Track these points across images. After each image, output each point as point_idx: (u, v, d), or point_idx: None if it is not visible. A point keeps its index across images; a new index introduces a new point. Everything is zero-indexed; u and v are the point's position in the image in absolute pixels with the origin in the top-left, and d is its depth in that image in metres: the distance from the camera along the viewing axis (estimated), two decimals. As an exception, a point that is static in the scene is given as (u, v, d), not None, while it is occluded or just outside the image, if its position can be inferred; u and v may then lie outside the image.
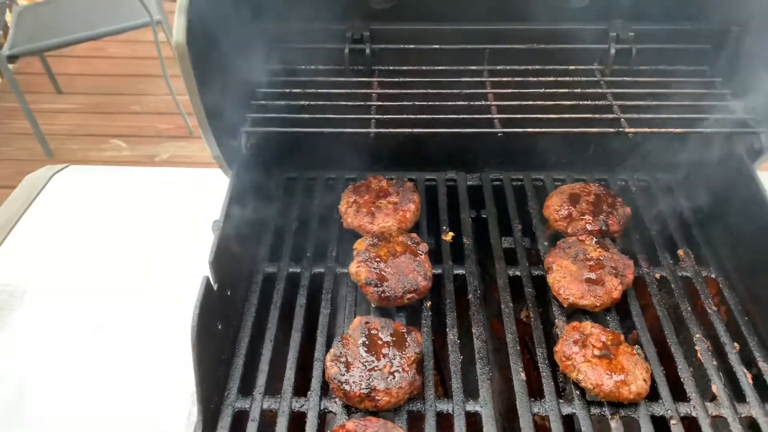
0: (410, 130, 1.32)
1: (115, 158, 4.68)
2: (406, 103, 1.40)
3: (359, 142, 1.64)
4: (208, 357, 1.19)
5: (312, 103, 1.39)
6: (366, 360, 1.20)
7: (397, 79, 1.48)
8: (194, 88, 1.22)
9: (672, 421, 1.20)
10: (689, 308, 1.40)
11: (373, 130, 1.31)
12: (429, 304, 1.41)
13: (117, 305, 1.53)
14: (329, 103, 1.39)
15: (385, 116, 1.35)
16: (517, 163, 1.73)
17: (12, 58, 4.15)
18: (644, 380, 1.20)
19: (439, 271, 1.48)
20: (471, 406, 1.22)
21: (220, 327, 1.26)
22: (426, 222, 1.60)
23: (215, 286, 1.23)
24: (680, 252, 1.53)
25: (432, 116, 1.37)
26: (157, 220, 1.76)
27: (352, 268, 1.40)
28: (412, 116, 1.35)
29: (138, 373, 1.39)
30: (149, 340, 1.45)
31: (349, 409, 1.21)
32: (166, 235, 1.71)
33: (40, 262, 1.65)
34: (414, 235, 1.48)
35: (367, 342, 1.23)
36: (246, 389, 1.26)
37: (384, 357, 1.21)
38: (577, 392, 1.23)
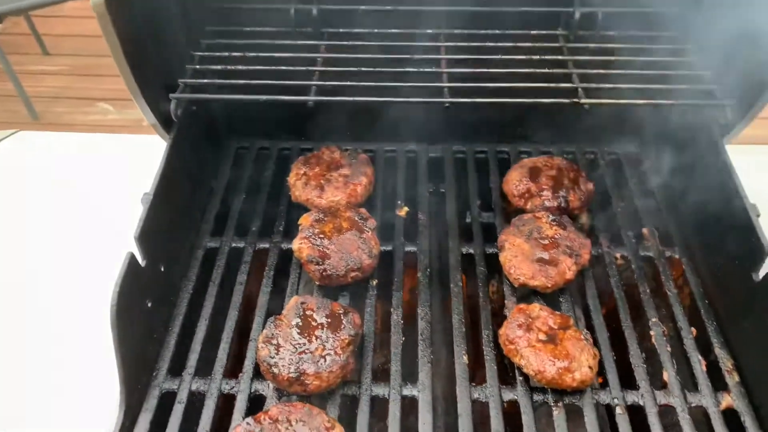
0: (350, 98, 1.24)
1: (101, 122, 4.61)
2: (351, 68, 1.31)
3: (312, 111, 1.56)
4: (134, 336, 1.13)
5: (250, 67, 1.31)
6: (298, 342, 1.15)
7: (345, 43, 1.39)
8: (118, 50, 1.14)
9: (617, 410, 1.14)
10: (648, 290, 1.33)
11: (311, 98, 1.22)
12: (375, 282, 1.35)
13: (54, 284, 1.49)
14: (268, 68, 1.30)
15: (327, 83, 1.26)
16: (481, 135, 1.64)
17: (-3, 18, 4.05)
18: (590, 367, 1.14)
19: (389, 247, 1.42)
20: (408, 390, 1.17)
21: (149, 305, 1.20)
22: (381, 196, 1.53)
23: (143, 262, 1.17)
24: (644, 230, 1.45)
25: (379, 83, 1.28)
26: (99, 190, 1.70)
27: (295, 244, 1.34)
28: (357, 83, 1.27)
29: (69, 350, 1.35)
30: (84, 316, 1.41)
31: (281, 393, 1.16)
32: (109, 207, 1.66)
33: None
34: (363, 210, 1.41)
35: (300, 323, 1.18)
36: (176, 370, 1.21)
37: (317, 339, 1.15)
38: (521, 378, 1.18)
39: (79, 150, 1.86)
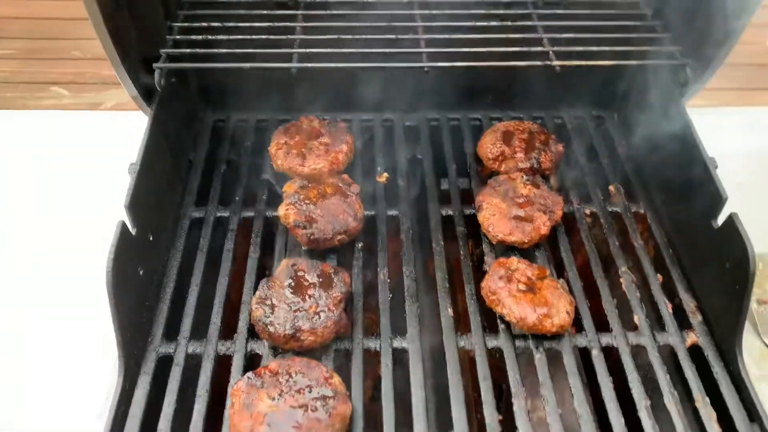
0: (333, 64, 1.27)
1: (55, 107, 4.47)
2: (331, 36, 1.34)
3: (289, 82, 1.58)
4: (129, 302, 1.16)
5: (231, 37, 1.32)
6: (291, 301, 1.19)
7: (323, 12, 1.42)
8: (99, 19, 1.14)
9: (593, 352, 1.23)
10: (617, 243, 1.42)
11: (294, 65, 1.25)
12: (361, 245, 1.40)
13: (44, 257, 1.49)
14: (249, 37, 1.32)
15: (308, 50, 1.29)
16: (454, 103, 1.69)
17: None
18: (567, 312, 1.22)
19: (372, 212, 1.46)
20: (398, 343, 1.23)
21: (141, 272, 1.22)
22: (361, 163, 1.57)
23: (134, 231, 1.19)
24: (611, 187, 1.54)
25: (359, 50, 1.31)
26: (79, 166, 1.69)
27: (281, 210, 1.37)
28: (337, 50, 1.30)
29: (61, 323, 1.36)
30: (76, 289, 1.41)
31: (276, 351, 1.21)
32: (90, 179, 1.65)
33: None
34: (345, 176, 1.45)
35: (293, 284, 1.22)
36: (171, 334, 1.24)
37: (310, 298, 1.20)
38: (503, 326, 1.25)
39: (41, 130, 1.84)
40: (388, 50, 1.29)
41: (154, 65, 1.28)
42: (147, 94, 1.38)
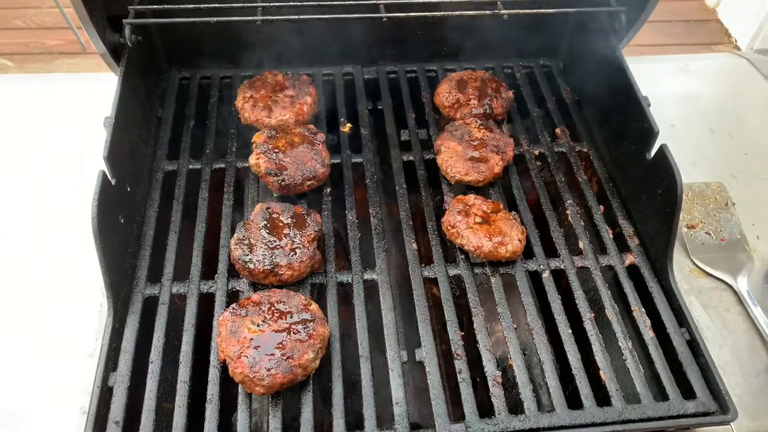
0: (296, 16, 1.34)
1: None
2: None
3: (251, 38, 1.64)
4: (113, 248, 1.22)
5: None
6: (268, 240, 1.28)
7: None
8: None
9: (543, 274, 1.37)
10: (563, 180, 1.55)
11: (259, 17, 1.31)
12: (329, 190, 1.49)
13: (16, 212, 1.52)
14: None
15: (272, 4, 1.35)
16: (410, 55, 1.78)
17: None
18: (519, 240, 1.35)
19: (337, 160, 1.55)
20: (368, 275, 1.34)
21: (122, 221, 1.29)
22: (325, 115, 1.65)
23: (113, 181, 1.25)
24: (557, 130, 1.67)
25: (321, 3, 1.38)
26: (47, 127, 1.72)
27: (252, 159, 1.45)
28: (301, 3, 1.37)
29: (43, 277, 1.41)
30: (53, 243, 1.47)
31: (255, 286, 1.30)
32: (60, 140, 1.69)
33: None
34: (311, 126, 1.53)
35: (268, 225, 1.31)
36: (154, 278, 1.32)
37: (285, 237, 1.29)
38: (462, 257, 1.37)
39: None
40: (347, 2, 1.36)
41: (124, 21, 1.32)
42: (114, 52, 1.42)
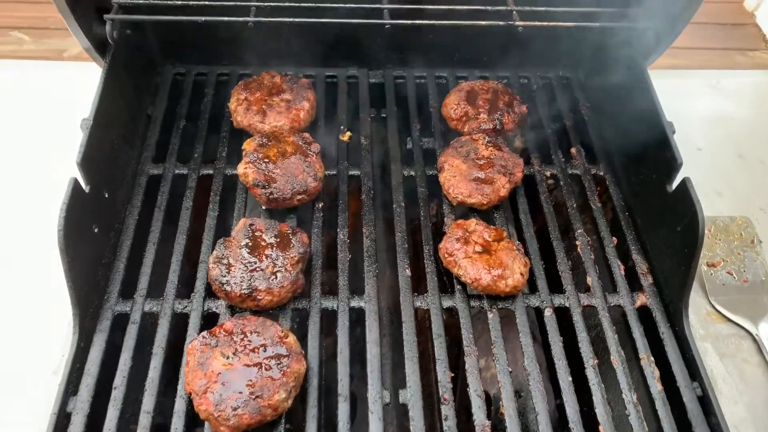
0: (290, 19, 1.24)
1: (16, 53, 4.30)
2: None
3: (248, 35, 1.54)
4: (83, 260, 1.14)
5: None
6: (248, 261, 1.19)
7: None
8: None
9: (546, 312, 1.26)
10: (575, 205, 1.43)
11: (251, 18, 1.21)
12: (321, 205, 1.39)
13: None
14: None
15: (266, 4, 1.25)
16: (420, 60, 1.67)
17: None
18: (521, 274, 1.24)
19: (333, 172, 1.45)
20: (356, 302, 1.24)
21: (96, 230, 1.21)
22: (324, 121, 1.55)
23: (87, 188, 1.17)
24: (573, 150, 1.55)
25: (319, 4, 1.28)
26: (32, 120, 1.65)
27: (240, 168, 1.36)
28: (297, 4, 1.26)
29: (11, 284, 1.34)
30: (25, 247, 1.39)
31: (233, 310, 1.21)
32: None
33: None
34: (306, 135, 1.43)
35: (250, 243, 1.22)
36: (128, 293, 1.24)
37: (267, 258, 1.20)
38: (459, 287, 1.27)
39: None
40: (348, 5, 1.26)
41: (105, 16, 1.23)
42: (101, 45, 1.33)
